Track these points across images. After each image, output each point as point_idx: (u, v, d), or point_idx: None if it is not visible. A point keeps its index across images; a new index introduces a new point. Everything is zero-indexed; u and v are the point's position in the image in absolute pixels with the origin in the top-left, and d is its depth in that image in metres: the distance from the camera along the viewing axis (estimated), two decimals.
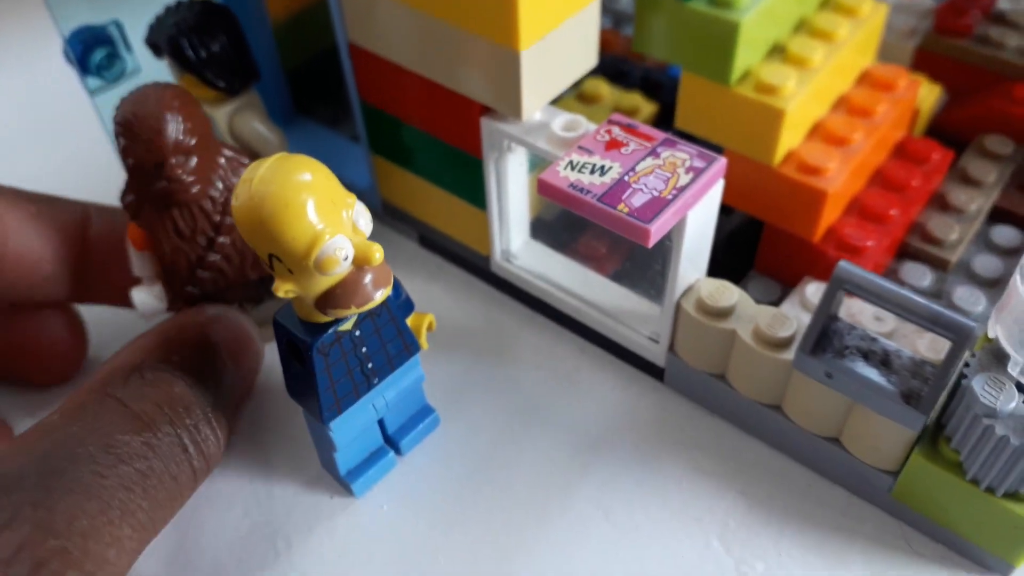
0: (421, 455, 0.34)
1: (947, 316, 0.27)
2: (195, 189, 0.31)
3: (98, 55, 0.37)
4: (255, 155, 0.36)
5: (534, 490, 0.33)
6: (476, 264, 0.40)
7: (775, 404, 0.32)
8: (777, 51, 0.34)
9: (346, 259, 0.26)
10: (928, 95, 0.41)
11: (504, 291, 0.40)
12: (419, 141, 0.37)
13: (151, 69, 0.38)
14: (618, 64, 0.45)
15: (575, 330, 0.38)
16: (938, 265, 0.37)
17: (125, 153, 0.31)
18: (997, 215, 0.38)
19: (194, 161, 0.31)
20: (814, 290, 0.34)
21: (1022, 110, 0.40)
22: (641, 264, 0.37)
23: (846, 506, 0.32)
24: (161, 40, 0.36)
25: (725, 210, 0.37)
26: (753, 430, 0.34)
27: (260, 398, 0.36)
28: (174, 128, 0.30)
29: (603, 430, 0.35)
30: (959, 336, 0.27)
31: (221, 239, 0.32)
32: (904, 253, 0.37)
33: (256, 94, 0.38)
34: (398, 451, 0.34)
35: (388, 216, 0.42)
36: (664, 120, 0.44)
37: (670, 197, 0.29)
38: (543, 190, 0.30)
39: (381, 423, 0.33)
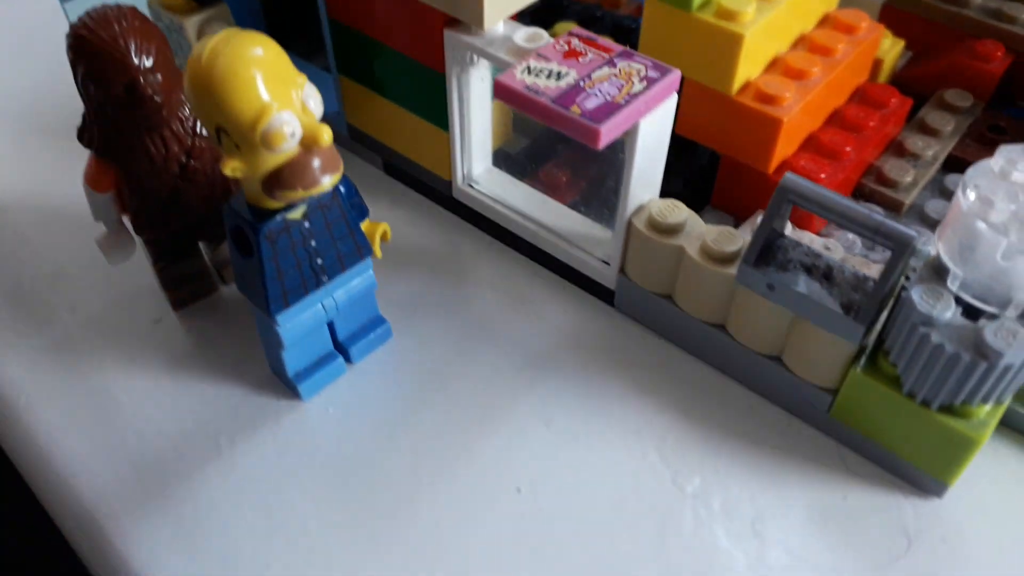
0: (371, 364, 0.34)
1: (888, 225, 0.27)
2: (165, 110, 0.30)
3: None
4: None
5: (480, 400, 0.33)
6: (438, 191, 0.40)
7: (720, 323, 0.33)
8: None
9: (293, 135, 0.26)
10: (891, 48, 0.41)
11: (465, 218, 0.40)
12: (385, 58, 0.37)
13: None
14: (591, 10, 0.46)
15: (531, 256, 0.38)
16: (892, 207, 0.37)
17: (90, 77, 0.29)
18: (952, 164, 0.39)
19: (160, 78, 0.30)
20: None
21: (983, 66, 0.40)
22: (598, 191, 0.38)
23: (785, 427, 0.32)
24: None
25: (687, 149, 0.38)
26: (698, 352, 0.34)
27: (221, 307, 0.36)
28: (140, 46, 0.29)
29: (551, 349, 0.35)
30: (899, 244, 0.27)
31: (193, 163, 0.32)
32: (859, 194, 0.38)
33: (226, 7, 0.38)
34: (348, 359, 0.34)
35: (354, 142, 0.43)
36: None
37: (623, 102, 0.29)
38: (499, 92, 0.30)
39: (332, 329, 0.33)
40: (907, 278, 0.29)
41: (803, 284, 0.29)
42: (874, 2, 0.43)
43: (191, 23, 0.37)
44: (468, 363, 0.34)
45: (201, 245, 0.36)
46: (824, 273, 0.30)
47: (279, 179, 0.27)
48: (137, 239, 0.35)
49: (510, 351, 0.35)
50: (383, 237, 0.33)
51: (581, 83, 0.30)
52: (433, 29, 0.34)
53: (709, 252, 0.31)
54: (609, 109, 0.29)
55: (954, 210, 0.28)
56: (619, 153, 0.32)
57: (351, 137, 0.42)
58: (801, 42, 0.37)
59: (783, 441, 0.32)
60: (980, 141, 0.39)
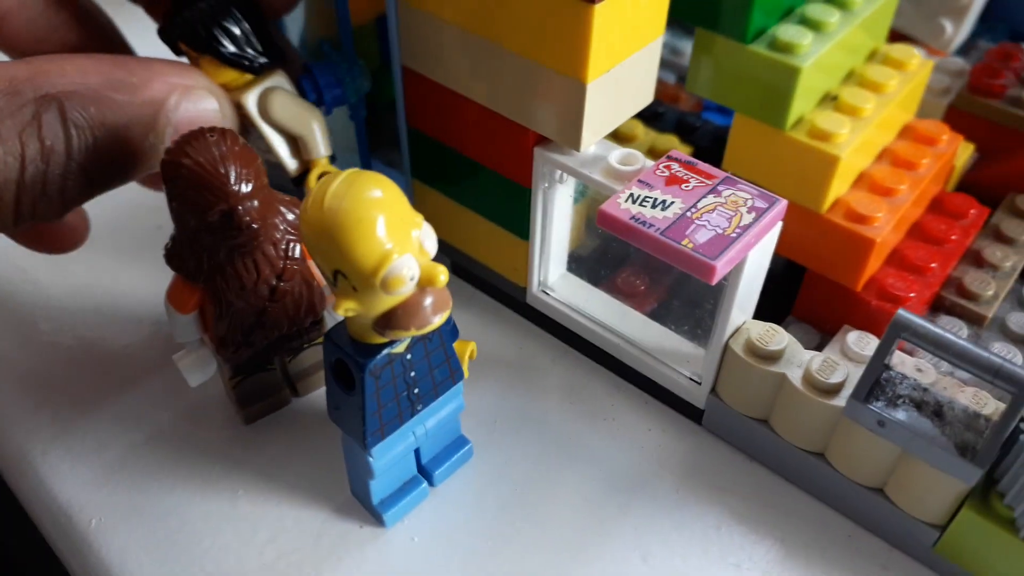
0: (453, 486, 0.33)
1: (1008, 369, 0.27)
2: (261, 236, 0.29)
3: None
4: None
5: (570, 528, 0.32)
6: (509, 295, 0.40)
7: (818, 451, 0.32)
8: (829, 99, 0.35)
9: (412, 279, 0.25)
10: (962, 152, 0.41)
11: (537, 323, 0.39)
12: (464, 169, 0.36)
13: None
14: (653, 106, 0.45)
15: (609, 366, 0.37)
16: (974, 320, 0.37)
17: (185, 204, 0.28)
18: None
19: (257, 204, 0.28)
20: (855, 339, 0.34)
21: None
22: (682, 303, 0.37)
23: (886, 559, 0.31)
24: (186, 35, 0.32)
25: None
26: (793, 477, 0.33)
27: (292, 421, 0.35)
28: (239, 172, 0.28)
29: (639, 471, 0.34)
30: (1020, 388, 0.27)
31: (283, 285, 0.31)
32: (940, 306, 0.37)
33: (281, 71, 0.35)
34: (431, 482, 0.33)
35: None
36: None
37: (734, 235, 0.28)
38: (603, 222, 0.29)
39: (416, 452, 0.32)
40: (1022, 419, 0.28)
41: (915, 422, 0.29)
42: (939, 103, 0.43)
43: (250, 99, 0.34)
44: (552, 486, 0.33)
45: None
46: (934, 410, 0.29)
47: (393, 319, 0.26)
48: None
49: (596, 472, 0.34)
50: (470, 356, 0.32)
51: (688, 213, 0.29)
52: (522, 147, 0.33)
53: (813, 382, 0.31)
54: (721, 243, 0.28)
55: None
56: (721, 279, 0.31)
57: None
58: (885, 155, 0.36)
59: (884, 574, 0.31)
60: None
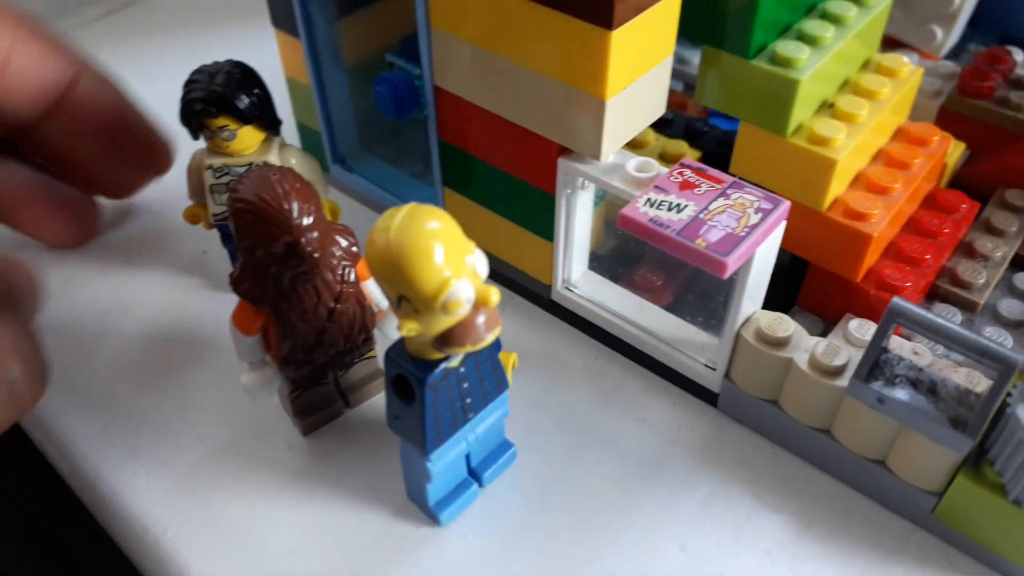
0: (498, 485, 0.36)
1: (993, 348, 0.30)
2: (321, 263, 0.32)
3: None
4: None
5: (609, 518, 0.35)
6: (536, 293, 0.43)
7: (825, 428, 0.35)
8: (826, 107, 0.38)
9: (468, 301, 0.28)
10: (953, 151, 0.44)
11: (562, 318, 0.42)
12: (493, 177, 0.40)
13: None
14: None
15: (631, 357, 0.40)
16: (967, 307, 0.40)
17: (253, 237, 0.31)
18: (1019, 262, 0.42)
19: (317, 235, 0.31)
20: (856, 325, 0.37)
21: None
22: (695, 296, 0.40)
23: (890, 526, 0.34)
24: (211, 107, 0.37)
25: None
26: (803, 453, 0.36)
27: (346, 431, 0.38)
28: (301, 207, 0.31)
29: (666, 455, 0.37)
30: (1005, 366, 0.30)
31: (340, 306, 0.33)
32: (935, 295, 0.40)
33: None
34: (480, 483, 0.36)
35: None
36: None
37: (743, 234, 0.31)
38: (625, 224, 0.33)
39: (466, 456, 0.35)
40: (1009, 394, 0.31)
41: (912, 399, 0.32)
42: (931, 105, 0.46)
43: (273, 157, 0.40)
44: (590, 477, 0.36)
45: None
46: (929, 387, 0.32)
47: (450, 338, 0.28)
48: None
49: (626, 461, 0.36)
50: (512, 366, 0.35)
51: (701, 215, 0.32)
52: (547, 157, 0.36)
53: (817, 365, 0.34)
54: (732, 241, 0.31)
55: None
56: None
57: None
58: (880, 156, 0.39)
59: (889, 541, 0.34)
60: None
